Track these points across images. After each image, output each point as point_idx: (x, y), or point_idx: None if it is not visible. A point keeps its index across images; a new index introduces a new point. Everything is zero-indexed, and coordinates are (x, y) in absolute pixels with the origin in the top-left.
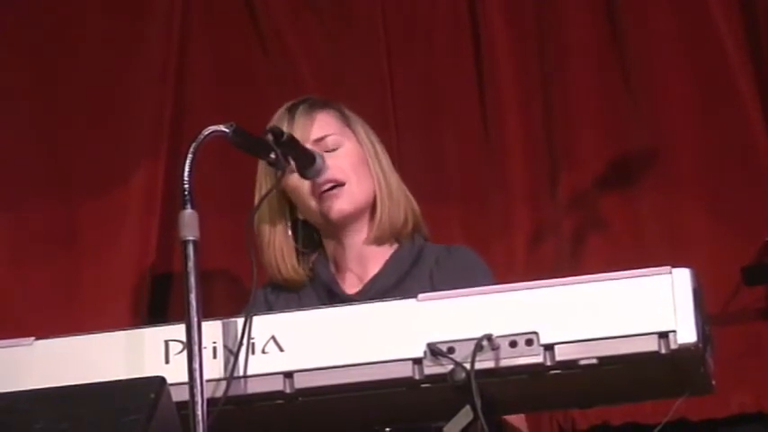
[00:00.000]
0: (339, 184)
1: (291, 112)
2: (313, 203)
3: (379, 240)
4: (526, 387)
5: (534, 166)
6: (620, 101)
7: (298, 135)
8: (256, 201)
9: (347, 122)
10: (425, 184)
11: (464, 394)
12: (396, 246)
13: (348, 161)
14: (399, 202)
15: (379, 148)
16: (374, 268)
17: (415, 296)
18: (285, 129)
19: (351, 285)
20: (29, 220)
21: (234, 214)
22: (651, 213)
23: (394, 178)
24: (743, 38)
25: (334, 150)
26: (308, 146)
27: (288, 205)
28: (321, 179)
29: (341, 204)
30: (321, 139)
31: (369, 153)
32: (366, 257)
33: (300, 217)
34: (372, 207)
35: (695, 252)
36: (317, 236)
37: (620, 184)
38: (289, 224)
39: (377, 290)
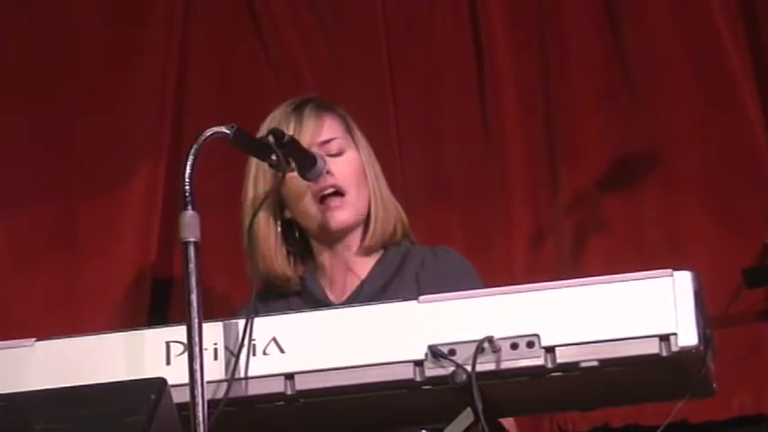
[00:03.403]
0: (340, 193)
1: (299, 111)
2: (313, 209)
3: (369, 251)
4: (527, 389)
5: (535, 167)
6: (620, 101)
7: (306, 135)
8: (248, 195)
9: (349, 128)
10: (425, 184)
11: (465, 396)
12: (381, 251)
13: (350, 168)
14: (390, 212)
15: (373, 156)
16: (361, 275)
17: (415, 298)
18: (292, 128)
19: (339, 294)
20: (29, 220)
21: (234, 215)
22: (652, 215)
23: (384, 186)
24: (743, 38)
25: (337, 155)
26: (314, 148)
27: (279, 205)
28: (322, 183)
29: (343, 216)
30: (327, 142)
31: (366, 161)
32: (355, 265)
33: (288, 215)
34: (366, 217)
35: (696, 254)
36: (303, 238)
37: (621, 186)
38: (279, 223)
39: (363, 296)
